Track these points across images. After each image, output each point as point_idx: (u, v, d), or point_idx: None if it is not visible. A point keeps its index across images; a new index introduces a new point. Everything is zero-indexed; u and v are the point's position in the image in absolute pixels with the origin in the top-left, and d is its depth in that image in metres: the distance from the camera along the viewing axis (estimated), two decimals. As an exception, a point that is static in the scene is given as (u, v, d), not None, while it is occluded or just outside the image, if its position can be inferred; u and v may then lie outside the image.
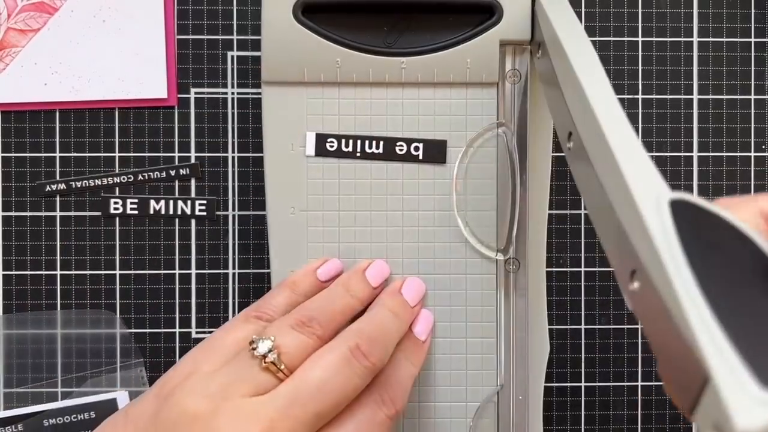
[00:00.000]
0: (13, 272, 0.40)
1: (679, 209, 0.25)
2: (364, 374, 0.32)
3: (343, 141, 0.37)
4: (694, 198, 0.26)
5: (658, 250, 0.24)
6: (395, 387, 0.33)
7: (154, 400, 0.31)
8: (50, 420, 0.40)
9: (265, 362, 0.31)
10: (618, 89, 0.41)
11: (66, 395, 0.40)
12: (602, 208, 0.29)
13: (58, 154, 0.40)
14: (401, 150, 0.37)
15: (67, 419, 0.40)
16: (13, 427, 0.40)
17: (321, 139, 0.37)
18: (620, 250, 0.27)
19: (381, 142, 0.37)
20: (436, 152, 0.38)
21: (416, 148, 0.37)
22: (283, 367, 0.31)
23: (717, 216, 0.25)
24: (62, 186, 0.40)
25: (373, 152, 0.37)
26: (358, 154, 0.37)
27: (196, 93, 0.41)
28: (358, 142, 0.37)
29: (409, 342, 0.36)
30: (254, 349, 0.31)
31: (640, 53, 0.41)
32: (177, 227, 0.41)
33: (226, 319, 0.41)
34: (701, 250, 0.24)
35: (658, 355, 0.26)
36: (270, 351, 0.31)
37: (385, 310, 0.35)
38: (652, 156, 0.27)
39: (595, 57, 0.32)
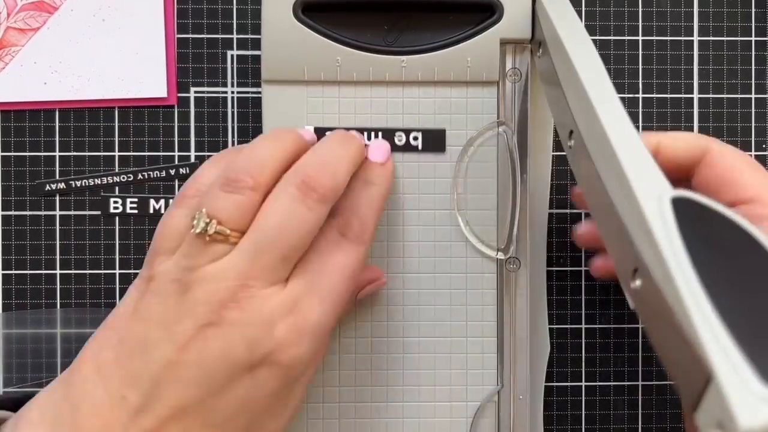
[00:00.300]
0: (13, 271, 0.40)
1: (681, 207, 0.25)
2: (317, 207, 0.31)
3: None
4: (696, 195, 0.26)
5: (660, 248, 0.24)
6: (352, 210, 0.33)
7: (128, 304, 0.32)
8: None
9: (208, 237, 0.30)
10: (618, 88, 0.41)
11: (65, 395, 0.40)
12: (604, 206, 0.29)
13: (57, 154, 0.40)
14: (400, 141, 0.37)
15: (66, 419, 0.40)
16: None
17: (319, 133, 0.37)
18: (622, 249, 0.27)
19: (380, 133, 0.37)
20: (435, 140, 0.37)
21: (415, 138, 0.37)
22: (229, 232, 0.31)
23: (719, 213, 0.25)
24: (62, 185, 0.40)
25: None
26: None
27: (195, 92, 0.41)
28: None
29: (366, 167, 0.35)
30: (194, 230, 0.31)
31: (640, 52, 0.41)
32: (177, 226, 0.41)
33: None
34: (703, 248, 0.24)
35: (660, 355, 0.26)
36: (208, 224, 0.30)
37: (326, 140, 0.34)
38: (653, 155, 0.28)
39: (595, 55, 0.32)
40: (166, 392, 0.30)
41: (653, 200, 0.25)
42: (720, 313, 0.22)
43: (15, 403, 0.33)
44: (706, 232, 0.25)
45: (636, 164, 0.27)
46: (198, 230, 0.30)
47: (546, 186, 0.39)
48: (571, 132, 0.32)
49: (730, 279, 0.24)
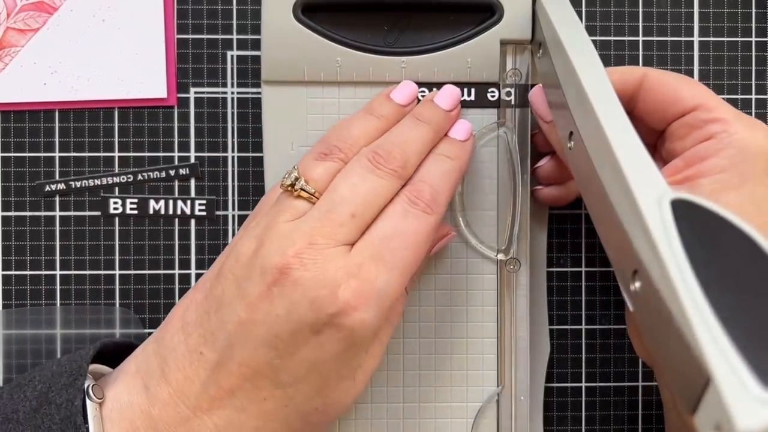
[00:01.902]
0: (13, 272, 0.40)
1: (681, 209, 0.25)
2: (389, 177, 0.33)
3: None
4: (696, 197, 0.26)
5: (660, 250, 0.24)
6: (425, 179, 0.33)
7: (216, 265, 0.34)
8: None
9: (295, 191, 0.32)
10: (619, 89, 0.41)
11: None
12: (603, 207, 0.29)
13: (57, 154, 0.40)
14: None
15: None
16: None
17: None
18: (621, 251, 0.27)
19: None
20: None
21: None
22: (313, 191, 0.32)
23: (718, 215, 0.25)
24: (62, 186, 0.40)
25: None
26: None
27: (195, 93, 0.41)
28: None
29: (444, 142, 0.35)
30: (282, 185, 0.33)
31: (640, 53, 0.41)
32: (177, 227, 0.41)
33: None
34: (703, 250, 0.24)
35: (659, 357, 0.26)
36: (296, 180, 0.32)
37: (406, 119, 0.35)
38: (653, 156, 0.28)
39: (595, 56, 0.32)
40: (238, 351, 0.31)
41: (653, 202, 0.25)
42: (719, 315, 0.22)
43: (113, 359, 0.35)
44: (705, 234, 0.25)
45: (635, 166, 0.27)
46: (287, 182, 0.32)
47: (546, 187, 0.39)
48: (571, 133, 0.32)
49: (729, 281, 0.24)
